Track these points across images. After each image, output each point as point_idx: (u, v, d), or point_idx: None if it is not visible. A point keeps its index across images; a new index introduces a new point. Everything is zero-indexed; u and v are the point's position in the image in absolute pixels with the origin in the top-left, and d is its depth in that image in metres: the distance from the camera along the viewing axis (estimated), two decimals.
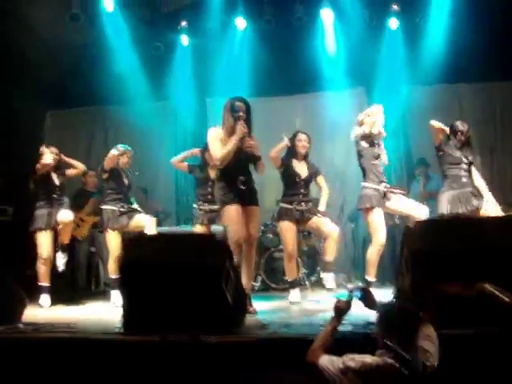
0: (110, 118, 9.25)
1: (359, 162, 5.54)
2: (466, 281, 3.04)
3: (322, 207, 5.82)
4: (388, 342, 2.57)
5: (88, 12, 7.86)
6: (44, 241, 5.80)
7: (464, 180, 5.59)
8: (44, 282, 5.82)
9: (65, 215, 5.88)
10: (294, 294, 5.54)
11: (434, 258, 3.16)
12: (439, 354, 2.59)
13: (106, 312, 5.19)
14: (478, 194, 5.51)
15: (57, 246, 5.92)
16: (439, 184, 7.46)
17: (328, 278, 6.49)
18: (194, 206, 6.33)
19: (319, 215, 5.64)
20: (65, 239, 5.93)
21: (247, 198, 4.62)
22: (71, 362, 3.31)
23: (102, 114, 9.33)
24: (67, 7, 7.62)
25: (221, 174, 4.66)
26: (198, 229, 6.11)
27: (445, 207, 5.49)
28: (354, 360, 2.59)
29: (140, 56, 8.54)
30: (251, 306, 4.56)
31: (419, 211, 5.24)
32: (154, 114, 8.71)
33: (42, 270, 5.82)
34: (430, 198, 7.18)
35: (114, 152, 5.97)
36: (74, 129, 9.22)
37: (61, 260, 5.87)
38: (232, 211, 4.51)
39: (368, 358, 2.58)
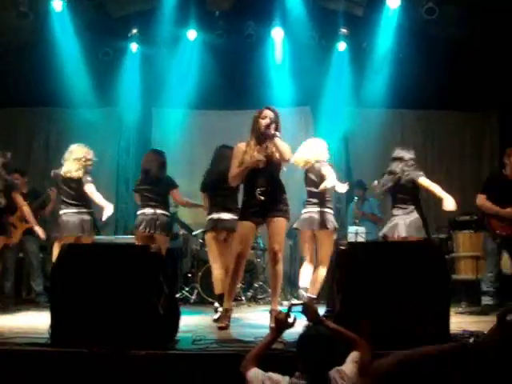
0: (53, 120, 9.02)
1: None
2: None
3: None
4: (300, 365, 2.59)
5: (36, 10, 7.66)
6: None
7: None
8: None
9: None
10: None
11: (364, 281, 3.24)
12: None
13: (34, 321, 4.99)
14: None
15: None
16: (372, 207, 7.77)
17: None
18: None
19: None
20: None
21: (268, 209, 4.43)
22: None
23: (45, 115, 9.07)
24: (15, 4, 7.41)
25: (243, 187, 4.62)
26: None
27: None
28: (270, 379, 2.61)
29: (88, 60, 8.37)
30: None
31: None
32: (98, 119, 8.59)
33: None
34: (363, 219, 7.42)
35: None
36: (14, 129, 8.89)
37: None
38: (239, 227, 4.48)
39: (283, 380, 2.59)
